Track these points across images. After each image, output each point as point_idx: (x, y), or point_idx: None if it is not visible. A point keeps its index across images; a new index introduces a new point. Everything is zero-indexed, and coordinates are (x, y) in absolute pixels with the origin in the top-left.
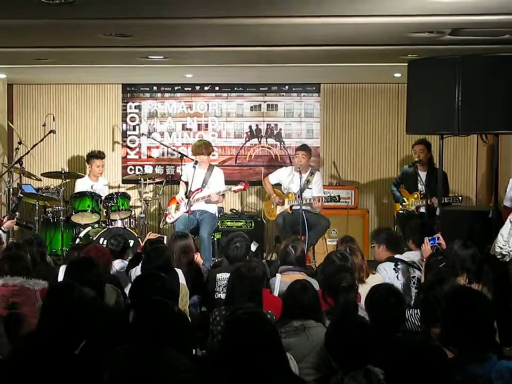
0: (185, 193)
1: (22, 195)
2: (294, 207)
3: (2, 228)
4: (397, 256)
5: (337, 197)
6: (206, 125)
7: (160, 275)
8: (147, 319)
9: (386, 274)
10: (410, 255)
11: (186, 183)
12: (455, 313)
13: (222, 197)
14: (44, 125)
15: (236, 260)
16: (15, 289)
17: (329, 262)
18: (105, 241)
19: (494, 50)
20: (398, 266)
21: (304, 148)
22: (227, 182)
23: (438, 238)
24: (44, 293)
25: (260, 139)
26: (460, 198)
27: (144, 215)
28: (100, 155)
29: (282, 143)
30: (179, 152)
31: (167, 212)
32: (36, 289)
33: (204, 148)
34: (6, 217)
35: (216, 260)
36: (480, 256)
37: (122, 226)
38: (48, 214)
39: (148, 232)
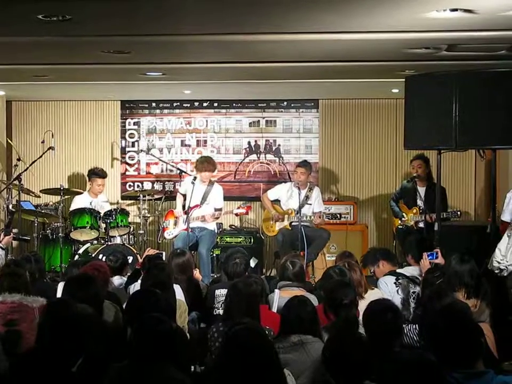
0: (184, 208)
1: (14, 209)
2: (293, 223)
3: (0, 245)
4: (398, 270)
5: (338, 215)
6: (205, 141)
7: (155, 291)
8: (144, 335)
9: (387, 287)
10: (410, 270)
11: (184, 196)
12: (435, 329)
13: (216, 219)
14: (43, 142)
15: (235, 275)
16: (13, 306)
17: (327, 277)
18: (104, 257)
19: (490, 65)
20: (399, 281)
21: (303, 164)
22: (226, 198)
23: (437, 253)
24: (42, 310)
25: (258, 155)
26: (459, 212)
27: (143, 231)
28: (102, 174)
29: (281, 158)
30: (178, 168)
31: (164, 226)
32: (35, 306)
33: (210, 164)
34: (2, 234)
35: (215, 276)
36: (478, 271)
37: (121, 243)
38: (47, 231)
39: (146, 248)
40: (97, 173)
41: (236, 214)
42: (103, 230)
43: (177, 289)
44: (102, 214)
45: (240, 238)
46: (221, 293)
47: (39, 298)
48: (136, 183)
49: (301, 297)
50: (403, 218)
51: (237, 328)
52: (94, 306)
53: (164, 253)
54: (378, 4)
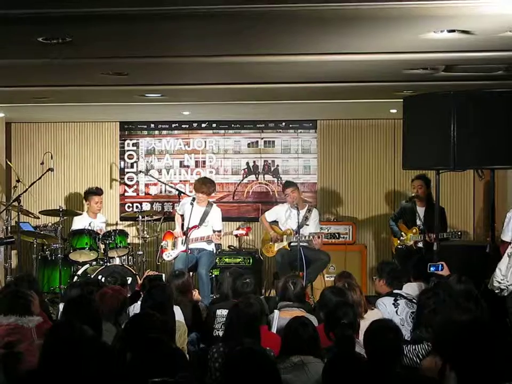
0: (182, 229)
1: None
2: (292, 244)
3: None
4: (396, 291)
5: (336, 234)
6: (204, 162)
7: (155, 314)
8: (143, 357)
9: (386, 309)
10: (410, 290)
11: (182, 216)
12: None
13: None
14: (42, 163)
15: (244, 295)
16: (9, 328)
17: (325, 298)
18: (103, 278)
19: (487, 86)
20: (398, 301)
21: (288, 185)
22: (225, 219)
23: (442, 265)
24: (39, 328)
25: (257, 175)
26: (459, 233)
27: (142, 252)
28: (97, 191)
29: (279, 179)
30: (177, 189)
31: (163, 247)
32: (31, 326)
33: (206, 187)
34: None
35: (214, 297)
36: (476, 292)
37: (120, 264)
38: (46, 252)
39: (146, 269)
40: (93, 191)
41: (236, 235)
42: (102, 251)
43: (177, 310)
44: (101, 235)
45: (239, 258)
46: (222, 313)
47: (35, 317)
48: (135, 204)
49: (302, 318)
50: (401, 238)
51: (239, 348)
52: (93, 328)
53: (163, 275)
54: (377, 25)
